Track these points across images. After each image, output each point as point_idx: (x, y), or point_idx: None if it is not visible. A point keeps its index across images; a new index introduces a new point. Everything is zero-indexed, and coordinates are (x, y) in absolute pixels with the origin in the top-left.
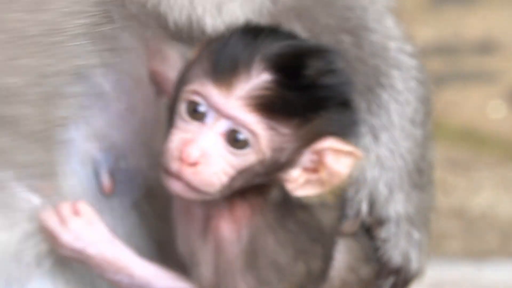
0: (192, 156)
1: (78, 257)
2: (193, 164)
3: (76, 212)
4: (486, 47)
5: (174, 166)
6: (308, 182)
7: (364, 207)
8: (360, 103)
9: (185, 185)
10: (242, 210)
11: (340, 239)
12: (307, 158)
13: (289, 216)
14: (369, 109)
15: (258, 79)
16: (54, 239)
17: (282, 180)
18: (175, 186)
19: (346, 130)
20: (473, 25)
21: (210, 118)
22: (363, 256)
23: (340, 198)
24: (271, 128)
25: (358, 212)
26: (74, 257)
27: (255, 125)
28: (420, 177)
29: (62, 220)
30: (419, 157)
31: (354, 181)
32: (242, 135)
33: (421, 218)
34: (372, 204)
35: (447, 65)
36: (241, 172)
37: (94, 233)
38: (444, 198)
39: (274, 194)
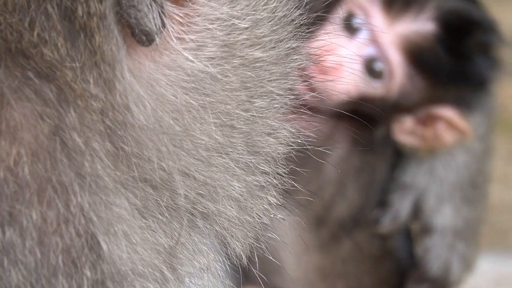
0: (327, 63)
1: None
2: (325, 71)
3: None
4: None
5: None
6: (412, 132)
7: (405, 212)
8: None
9: (307, 87)
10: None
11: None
12: (423, 113)
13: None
14: None
15: (424, 25)
16: None
17: (393, 119)
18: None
19: (470, 109)
20: None
21: (361, 37)
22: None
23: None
24: (409, 75)
25: (397, 216)
26: None
27: (398, 65)
28: (473, 191)
29: None
30: (476, 172)
31: (402, 186)
32: (380, 68)
33: (469, 232)
34: (418, 212)
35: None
36: (362, 99)
37: None
38: (507, 193)
39: (379, 132)
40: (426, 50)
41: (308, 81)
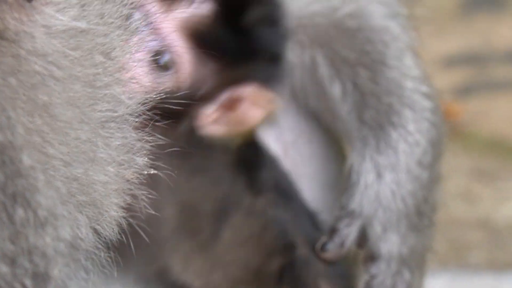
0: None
1: None
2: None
3: None
4: None
5: None
6: (219, 120)
7: (351, 239)
8: (369, 139)
9: None
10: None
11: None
12: (225, 97)
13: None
14: (377, 147)
15: (200, 6)
16: None
17: (195, 113)
18: None
19: (269, 81)
20: (502, 34)
21: (143, 33)
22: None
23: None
24: (198, 60)
25: (343, 242)
26: None
27: (183, 52)
28: (420, 219)
29: None
30: (422, 200)
31: (348, 213)
32: (168, 59)
33: (416, 260)
34: (364, 239)
35: (476, 74)
36: (159, 93)
37: None
38: (469, 208)
39: (183, 127)
40: (208, 31)
41: None
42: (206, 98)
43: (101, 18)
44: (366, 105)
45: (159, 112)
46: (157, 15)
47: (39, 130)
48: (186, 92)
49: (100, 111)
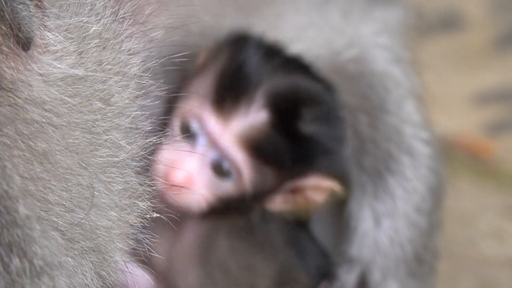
0: (176, 180)
1: None
2: (177, 187)
3: None
4: None
5: (159, 184)
6: (284, 201)
7: (351, 285)
8: (367, 185)
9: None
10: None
11: None
12: (287, 188)
13: (250, 232)
14: (375, 193)
15: (256, 116)
16: None
17: (262, 202)
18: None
19: (330, 169)
20: None
21: (201, 143)
22: None
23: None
24: (257, 168)
25: None
26: None
27: (243, 163)
28: (419, 266)
29: None
30: (421, 247)
31: (348, 260)
32: (228, 167)
33: None
34: (364, 286)
35: (509, 111)
36: (221, 199)
37: None
38: (500, 247)
39: (253, 216)
40: (265, 142)
41: (162, 199)
42: (269, 193)
43: (99, 65)
44: (365, 151)
45: (224, 211)
46: (215, 128)
47: (39, 177)
48: (249, 194)
49: (101, 156)
